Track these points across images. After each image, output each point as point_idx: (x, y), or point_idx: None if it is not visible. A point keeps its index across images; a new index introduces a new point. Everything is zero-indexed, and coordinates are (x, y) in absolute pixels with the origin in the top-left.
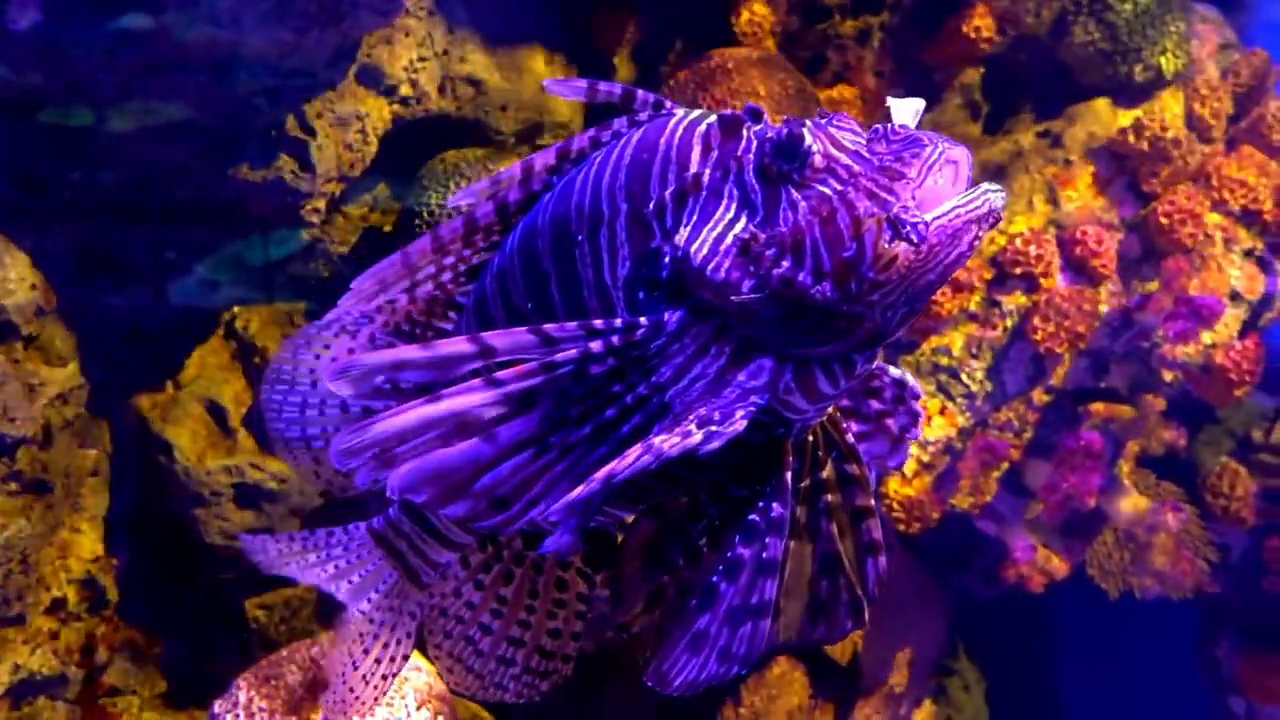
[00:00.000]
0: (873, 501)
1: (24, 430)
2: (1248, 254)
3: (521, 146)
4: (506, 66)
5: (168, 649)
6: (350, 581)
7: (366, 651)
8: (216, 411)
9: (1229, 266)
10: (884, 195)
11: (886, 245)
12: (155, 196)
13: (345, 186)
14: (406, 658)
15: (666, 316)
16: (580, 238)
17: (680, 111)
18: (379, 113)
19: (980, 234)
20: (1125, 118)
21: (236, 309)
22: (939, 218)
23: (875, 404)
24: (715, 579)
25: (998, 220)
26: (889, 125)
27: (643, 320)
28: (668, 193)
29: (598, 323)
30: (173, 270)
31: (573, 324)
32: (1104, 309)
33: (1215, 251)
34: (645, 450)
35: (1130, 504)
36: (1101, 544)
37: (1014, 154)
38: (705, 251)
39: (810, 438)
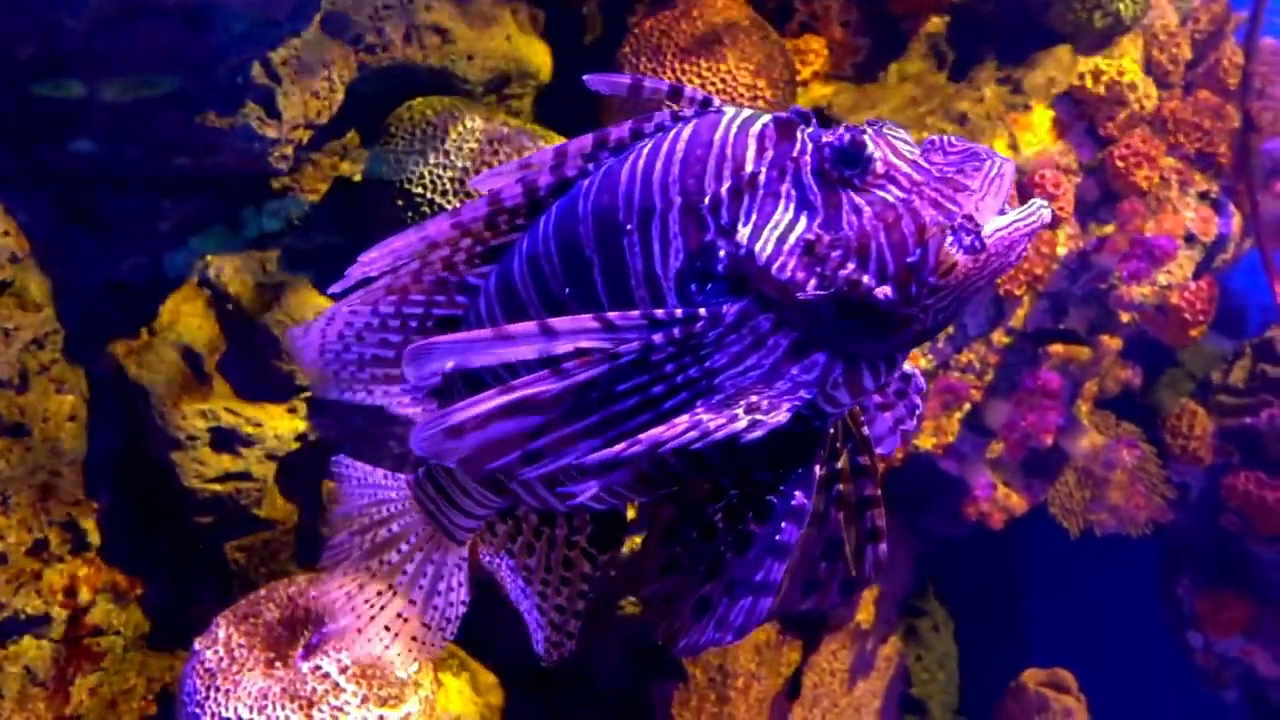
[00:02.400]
0: (880, 491)
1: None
2: (1202, 196)
3: (489, 96)
4: (473, 15)
5: (150, 591)
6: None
7: (425, 594)
8: (191, 357)
9: (1184, 209)
10: (948, 205)
11: (948, 252)
12: (138, 158)
13: (313, 134)
14: (465, 603)
15: (725, 309)
16: (630, 227)
17: (730, 110)
18: (345, 61)
19: (1029, 245)
20: (1085, 64)
21: (209, 257)
22: (999, 230)
23: (878, 396)
24: (723, 549)
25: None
26: (944, 137)
27: (702, 311)
28: (724, 189)
29: (659, 313)
30: (167, 240)
31: (635, 313)
32: (1062, 251)
33: (1170, 194)
34: (693, 425)
35: (1087, 442)
36: (1063, 483)
37: (976, 100)
38: (770, 250)
39: (830, 429)
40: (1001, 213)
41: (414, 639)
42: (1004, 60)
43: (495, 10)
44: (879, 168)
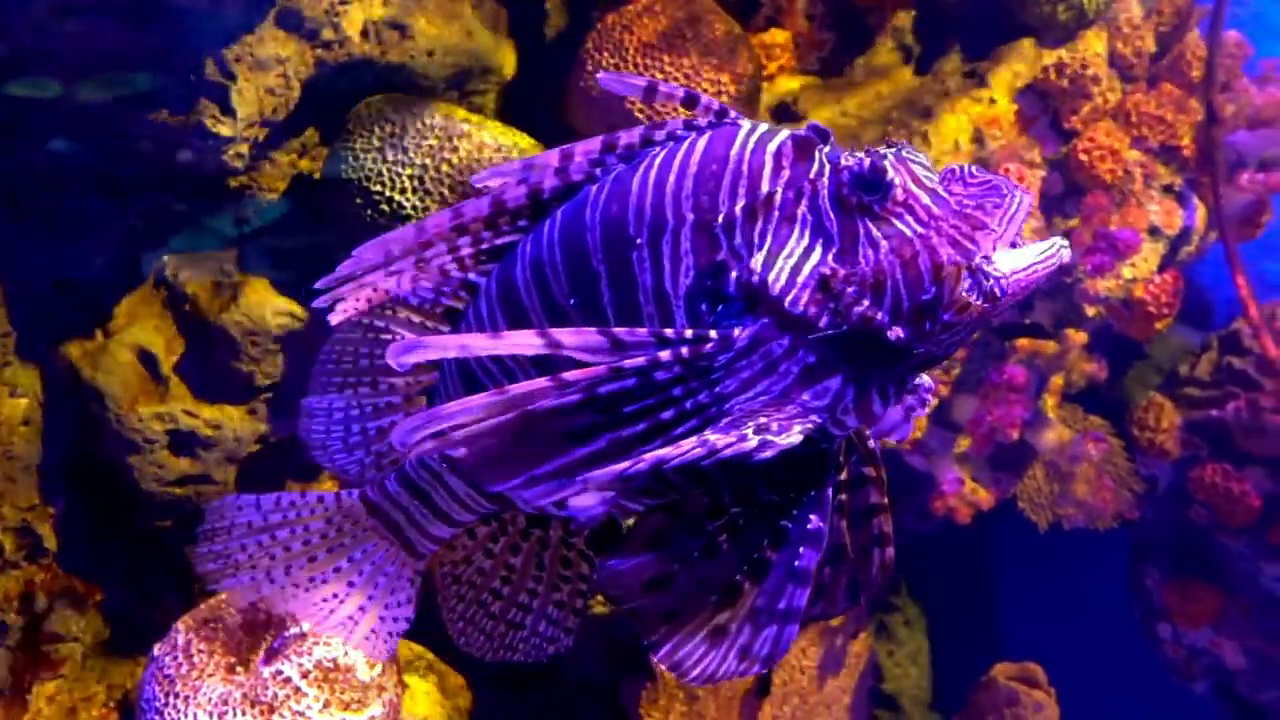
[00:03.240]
0: (886, 500)
1: None
2: (1166, 189)
3: (451, 92)
4: (433, 11)
5: (109, 596)
6: (334, 551)
7: (363, 611)
8: (147, 359)
9: (1148, 202)
10: (966, 244)
11: (964, 293)
12: (91, 157)
13: (269, 132)
14: (410, 620)
15: (736, 332)
16: (640, 241)
17: (746, 124)
18: (301, 57)
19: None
20: (1049, 57)
21: (166, 257)
22: (1018, 272)
23: None
24: (738, 577)
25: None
26: (964, 167)
27: (712, 333)
28: (738, 208)
29: (669, 331)
30: (127, 241)
31: (643, 330)
32: None
33: (1135, 187)
34: (700, 444)
35: (1054, 436)
36: (1031, 478)
37: (941, 94)
38: (783, 282)
39: (838, 449)
40: (1014, 245)
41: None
42: (969, 54)
43: (456, 6)
44: (898, 195)
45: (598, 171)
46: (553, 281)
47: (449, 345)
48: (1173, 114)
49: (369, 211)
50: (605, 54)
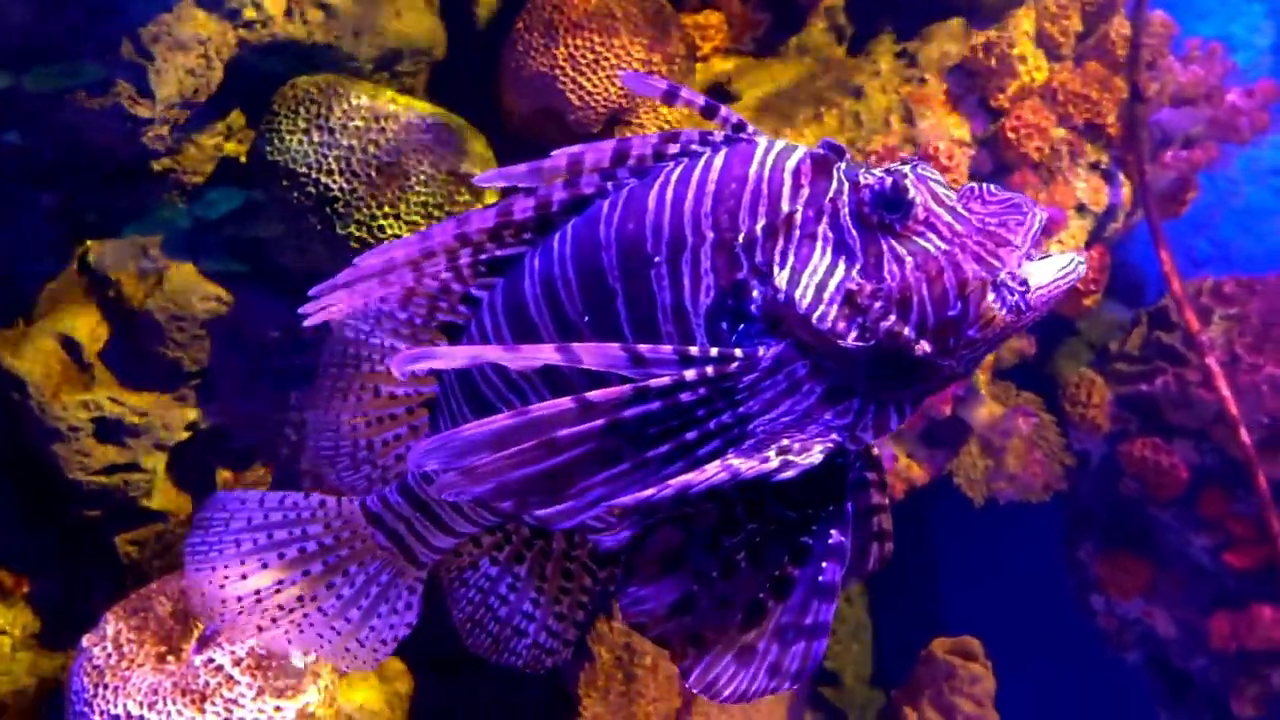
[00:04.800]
0: (886, 500)
1: None
2: (1093, 167)
3: (381, 73)
4: None
5: (39, 588)
6: (332, 557)
7: (347, 623)
8: (71, 346)
9: (1075, 179)
10: (990, 260)
11: (990, 308)
12: (28, 148)
13: (191, 114)
14: (411, 626)
15: (761, 352)
16: (658, 259)
17: (763, 141)
18: (223, 37)
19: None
20: (978, 37)
21: (89, 244)
22: (1042, 287)
23: None
24: (761, 595)
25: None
26: (983, 185)
27: (737, 352)
28: (758, 227)
29: (693, 350)
30: (61, 228)
31: (667, 348)
32: None
33: (1062, 165)
34: (723, 469)
35: (986, 412)
36: (967, 453)
37: (872, 74)
38: (810, 299)
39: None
40: (1029, 257)
41: (346, 652)
42: (900, 34)
43: None
44: (919, 213)
45: (608, 185)
46: (565, 298)
47: (458, 355)
48: (1098, 92)
49: (296, 194)
50: (536, 34)
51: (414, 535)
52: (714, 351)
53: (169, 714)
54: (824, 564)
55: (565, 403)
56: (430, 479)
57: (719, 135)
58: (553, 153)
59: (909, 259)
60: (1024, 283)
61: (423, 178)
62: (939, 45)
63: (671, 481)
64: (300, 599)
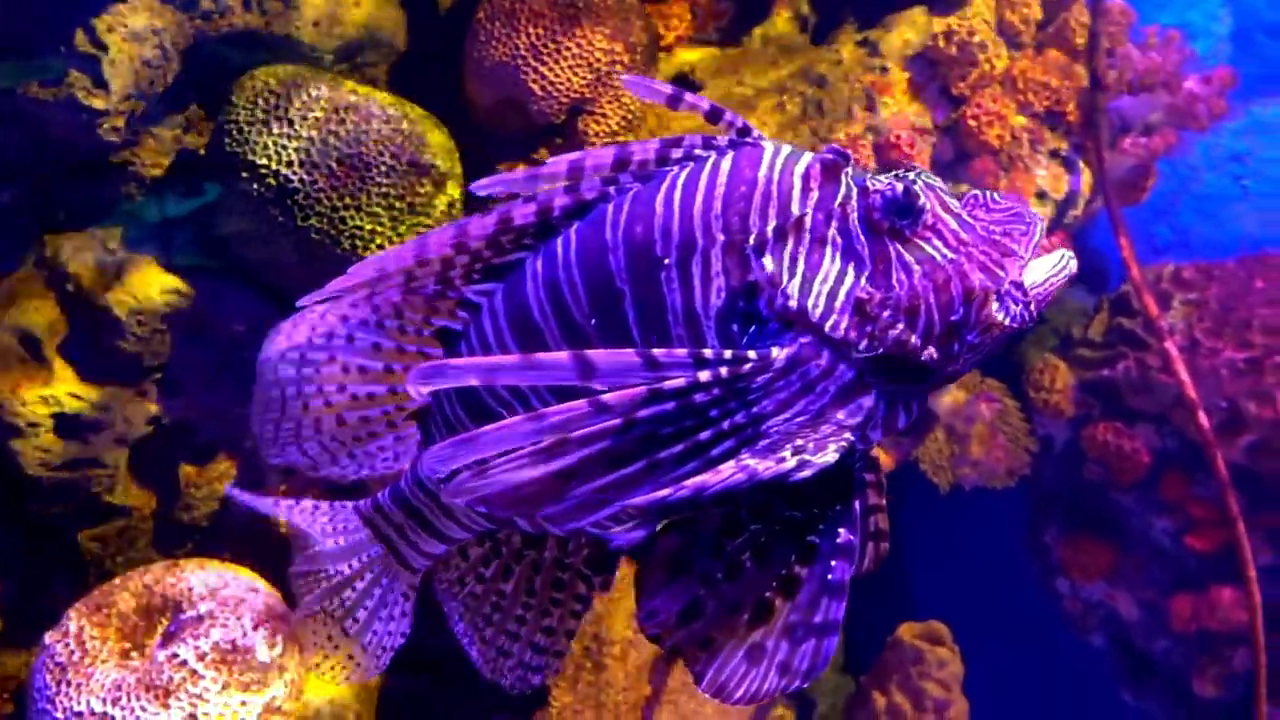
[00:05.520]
0: (884, 500)
1: None
2: (1053, 154)
3: (342, 65)
4: None
5: (1, 586)
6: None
7: (352, 628)
8: (29, 341)
9: (1035, 167)
10: (995, 270)
11: (993, 316)
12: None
13: (147, 105)
14: (405, 634)
15: (774, 353)
16: (668, 262)
17: (770, 145)
18: (179, 28)
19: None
20: (939, 25)
21: (47, 237)
22: (1037, 286)
23: None
24: (769, 595)
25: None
26: (987, 193)
27: (751, 354)
28: (769, 229)
29: (708, 352)
30: (54, 228)
31: (681, 351)
32: None
33: (1022, 152)
34: (740, 469)
35: (950, 398)
36: (933, 440)
37: (835, 63)
38: (821, 307)
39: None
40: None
41: (349, 660)
42: (863, 23)
43: None
44: (928, 220)
45: (610, 190)
46: (571, 302)
47: (474, 369)
48: (1058, 80)
49: (256, 187)
50: (497, 23)
51: (405, 541)
52: (728, 353)
53: (133, 710)
54: (833, 562)
55: (580, 405)
56: (423, 484)
57: (723, 139)
58: (551, 159)
59: (917, 267)
60: (1026, 291)
61: (384, 169)
62: (901, 34)
63: (688, 482)
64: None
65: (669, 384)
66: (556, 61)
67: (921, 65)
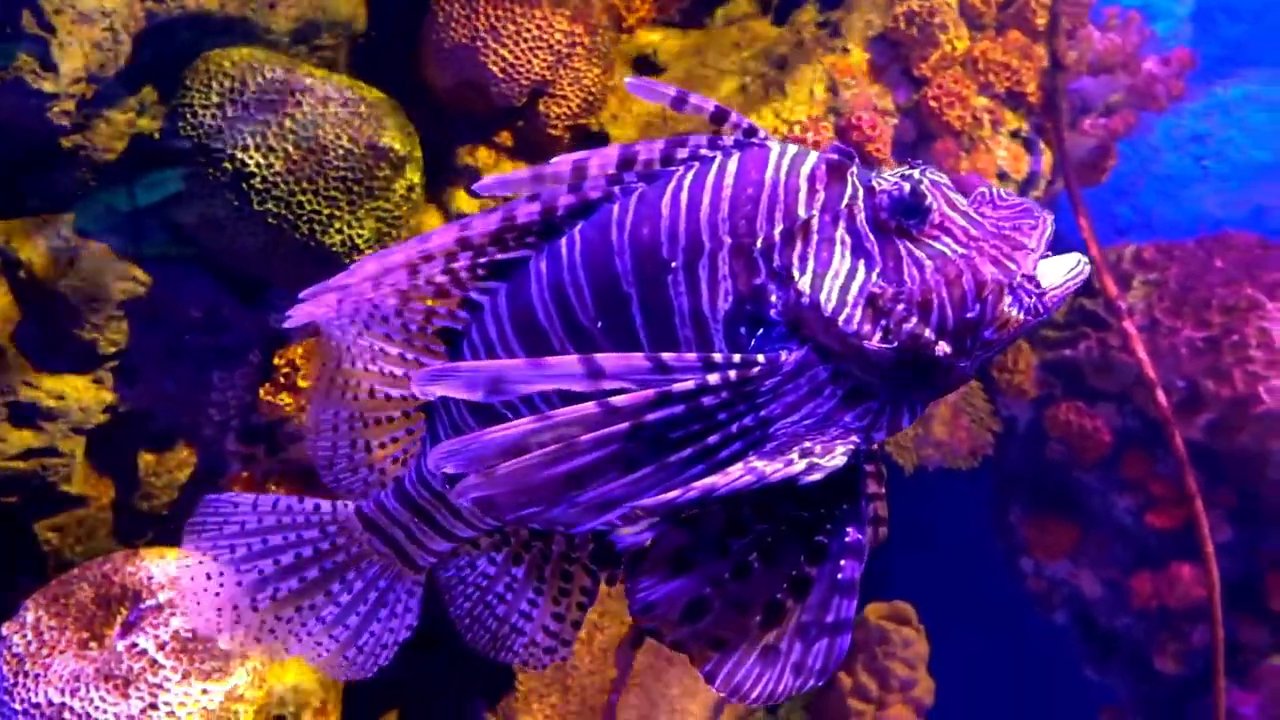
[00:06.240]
0: (883, 489)
1: None
2: (1014, 135)
3: (299, 47)
4: None
5: None
6: (325, 565)
7: (345, 629)
8: None
9: (996, 147)
10: (1007, 263)
11: (1005, 310)
12: None
13: (99, 89)
14: (411, 628)
15: (783, 356)
16: (675, 264)
17: (775, 145)
18: (130, 9)
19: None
20: (900, 6)
21: None
22: (1055, 288)
23: None
24: (779, 595)
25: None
26: (993, 190)
27: (760, 357)
28: (776, 232)
29: (717, 356)
30: (5, 214)
31: (691, 355)
32: None
33: (983, 133)
34: (748, 472)
35: None
36: None
37: (796, 45)
38: (834, 302)
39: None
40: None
41: (345, 660)
42: (825, 4)
43: None
44: (935, 218)
45: (615, 190)
46: (576, 304)
47: (483, 373)
48: (1018, 61)
49: (211, 170)
50: (456, 5)
51: (411, 540)
52: (737, 357)
53: (91, 701)
54: (842, 561)
55: (589, 406)
56: (427, 483)
57: (728, 140)
58: (555, 158)
59: (928, 263)
60: (1039, 284)
61: (341, 152)
62: (862, 15)
63: (696, 484)
64: (298, 607)
65: (678, 387)
66: (516, 43)
67: (883, 46)
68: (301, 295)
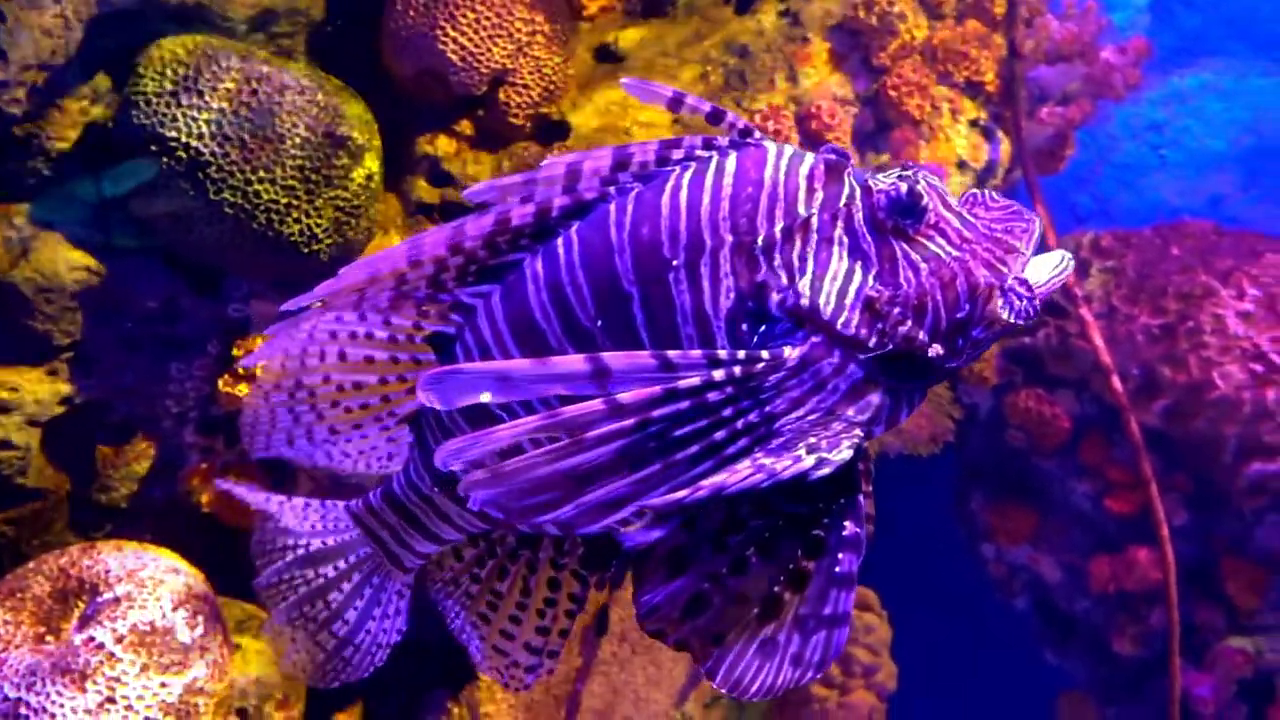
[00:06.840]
0: (870, 486)
1: None
2: (973, 124)
3: (256, 34)
4: None
5: None
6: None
7: (349, 622)
8: None
9: (956, 136)
10: (999, 266)
11: (994, 311)
12: None
13: (50, 76)
14: (401, 632)
15: (786, 351)
16: (676, 263)
17: (772, 146)
18: None
19: None
20: None
21: None
22: (1040, 286)
23: None
24: (777, 589)
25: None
26: (984, 191)
27: (764, 353)
28: (776, 230)
29: (722, 353)
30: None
31: (697, 352)
32: None
33: (943, 123)
34: (758, 469)
35: None
36: None
37: (757, 34)
38: (832, 305)
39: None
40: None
41: (341, 661)
42: None
43: None
44: (931, 219)
45: (610, 190)
46: (575, 304)
47: (486, 374)
48: (977, 50)
49: (166, 159)
50: None
51: (398, 542)
52: (742, 353)
53: (48, 694)
54: (840, 555)
55: (594, 404)
56: (416, 486)
57: (724, 140)
58: (548, 160)
59: (923, 265)
60: (1030, 287)
61: (298, 140)
62: (822, 4)
63: (705, 482)
64: (299, 606)
65: (684, 383)
66: (476, 31)
67: (843, 35)
68: (283, 307)
